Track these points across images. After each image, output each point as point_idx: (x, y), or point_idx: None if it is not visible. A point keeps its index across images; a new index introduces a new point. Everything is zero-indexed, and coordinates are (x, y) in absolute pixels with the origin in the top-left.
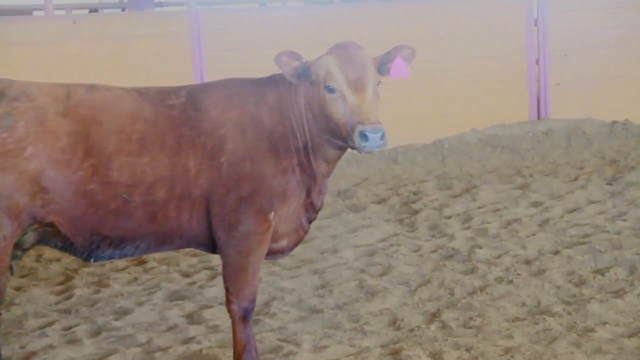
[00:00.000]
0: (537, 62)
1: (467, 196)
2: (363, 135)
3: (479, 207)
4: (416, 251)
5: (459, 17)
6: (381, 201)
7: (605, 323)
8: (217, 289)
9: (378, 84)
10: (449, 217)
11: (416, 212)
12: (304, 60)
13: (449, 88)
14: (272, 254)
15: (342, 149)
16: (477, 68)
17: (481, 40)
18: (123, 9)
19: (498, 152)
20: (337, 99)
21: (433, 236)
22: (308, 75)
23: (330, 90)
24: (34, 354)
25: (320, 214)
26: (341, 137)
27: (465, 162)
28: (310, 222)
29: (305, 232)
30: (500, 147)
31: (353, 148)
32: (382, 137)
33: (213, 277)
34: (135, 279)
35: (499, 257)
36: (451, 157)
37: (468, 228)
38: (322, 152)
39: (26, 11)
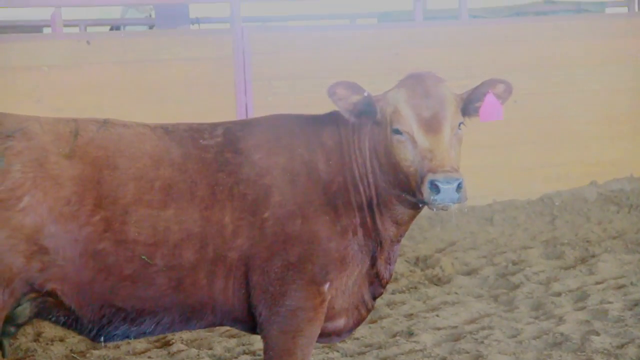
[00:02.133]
0: None
1: (583, 268)
2: (433, 186)
3: (598, 283)
4: (514, 337)
5: (577, 40)
6: (471, 272)
7: None
8: None
9: (459, 126)
10: (559, 294)
11: (516, 286)
12: (365, 94)
13: (562, 129)
14: (326, 336)
15: (416, 209)
16: (599, 106)
17: (604, 70)
18: (151, 27)
19: (625, 212)
20: (406, 143)
21: (537, 318)
22: (372, 113)
23: (398, 132)
24: None
25: (394, 287)
26: (411, 191)
27: (581, 224)
28: (375, 298)
29: (369, 311)
30: (628, 207)
31: (424, 204)
32: (459, 189)
33: None
34: None
35: (621, 347)
36: (563, 217)
37: (583, 309)
38: (390, 211)
39: (34, 29)
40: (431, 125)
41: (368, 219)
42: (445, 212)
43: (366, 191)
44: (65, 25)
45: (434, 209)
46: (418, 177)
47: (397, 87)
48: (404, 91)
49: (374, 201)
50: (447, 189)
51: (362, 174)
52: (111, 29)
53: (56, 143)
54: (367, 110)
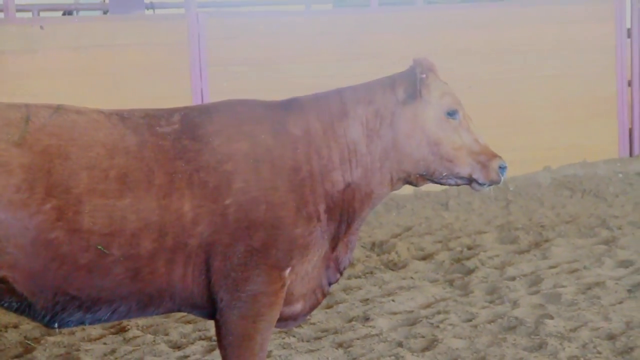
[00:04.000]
0: (630, 84)
1: (537, 252)
2: (503, 170)
3: (551, 267)
4: (469, 321)
5: (531, 26)
6: (427, 257)
7: None
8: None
9: None
10: (513, 279)
11: (470, 271)
12: (424, 76)
13: (516, 117)
14: (283, 320)
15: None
16: (553, 92)
17: (558, 57)
18: (105, 12)
19: (578, 197)
20: (460, 127)
21: (491, 302)
22: (414, 94)
23: (453, 115)
24: None
25: (350, 272)
26: (445, 169)
27: (535, 209)
28: (331, 284)
29: (324, 296)
30: (581, 191)
31: (462, 183)
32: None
33: (211, 350)
34: (113, 352)
35: (574, 330)
36: (517, 202)
37: (536, 293)
38: (379, 192)
39: None
40: (469, 116)
41: (339, 204)
42: (401, 197)
43: (346, 175)
44: (18, 10)
45: (482, 189)
46: (472, 159)
47: (429, 70)
48: (440, 78)
49: (357, 184)
50: (505, 172)
51: (343, 159)
52: (64, 14)
53: (5, 129)
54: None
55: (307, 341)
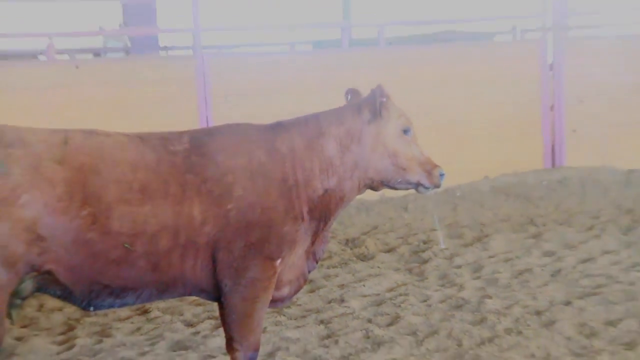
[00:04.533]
0: (552, 109)
1: (478, 245)
2: (442, 176)
3: (490, 257)
4: (425, 301)
5: (471, 62)
6: (390, 250)
7: None
8: (221, 339)
9: None
10: (459, 267)
11: (426, 261)
12: (385, 99)
13: (461, 135)
14: (273, 301)
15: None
16: (490, 115)
17: (494, 86)
18: (127, 53)
19: (511, 200)
20: (411, 142)
21: (442, 286)
22: (387, 111)
23: (407, 133)
24: None
25: (328, 262)
26: (401, 180)
27: (477, 210)
28: (310, 272)
29: (306, 282)
30: (513, 196)
31: (410, 188)
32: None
33: (217, 327)
34: (138, 329)
35: (508, 307)
36: (463, 205)
37: (478, 278)
38: (343, 203)
39: (31, 55)
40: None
41: (318, 206)
42: (369, 202)
43: (326, 184)
44: (58, 53)
45: (427, 192)
46: (422, 168)
47: (385, 97)
48: (395, 105)
49: (332, 193)
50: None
51: (323, 169)
52: (94, 56)
53: (49, 150)
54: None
55: (295, 319)
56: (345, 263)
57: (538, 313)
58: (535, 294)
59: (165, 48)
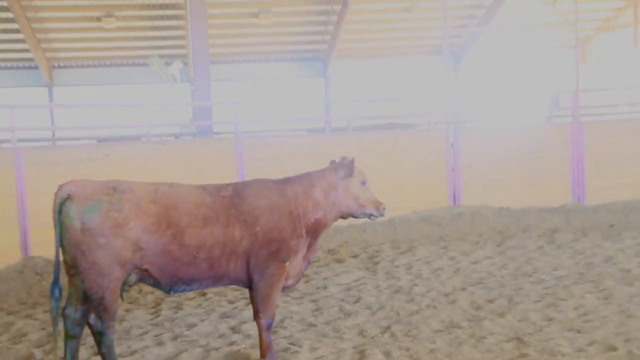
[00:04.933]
0: (453, 170)
1: (409, 253)
2: (384, 209)
3: (417, 260)
4: (376, 288)
5: (404, 141)
6: (355, 256)
7: (493, 333)
8: (250, 312)
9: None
10: (398, 267)
11: (377, 263)
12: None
13: (398, 185)
14: (283, 288)
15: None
16: (416, 172)
17: (419, 155)
18: (194, 136)
19: (429, 225)
20: (366, 189)
21: (387, 279)
22: (351, 171)
23: (364, 184)
24: (135, 351)
25: (315, 264)
26: (360, 213)
27: (408, 232)
28: (305, 269)
29: (302, 276)
30: (430, 222)
31: (366, 217)
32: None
33: (248, 304)
34: (199, 305)
35: (428, 291)
36: (400, 228)
37: (409, 273)
38: (325, 227)
39: (136, 138)
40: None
41: (311, 229)
42: (342, 226)
43: (315, 215)
44: (153, 136)
45: (375, 219)
46: (372, 205)
47: (351, 161)
48: (358, 167)
49: (320, 222)
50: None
51: (313, 208)
52: (175, 138)
53: (146, 195)
54: (350, 171)
55: (296, 299)
56: (327, 264)
57: (446, 295)
58: (445, 283)
59: (217, 133)
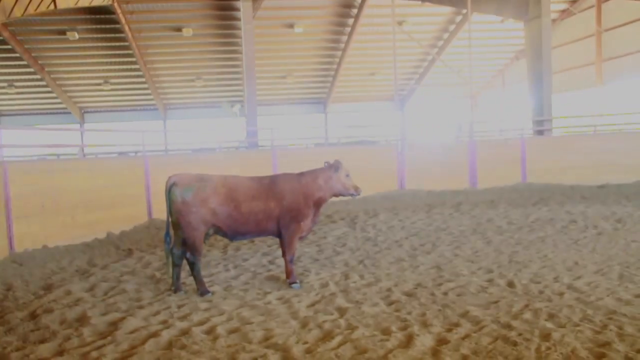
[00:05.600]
0: (400, 167)
1: (375, 217)
2: (359, 191)
3: (379, 221)
4: (355, 238)
5: (369, 152)
6: (342, 219)
7: (423, 264)
8: (280, 252)
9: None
10: (368, 225)
11: (355, 223)
12: (342, 165)
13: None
14: (299, 238)
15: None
16: (378, 170)
17: (379, 161)
18: (247, 148)
19: (386, 200)
20: (349, 179)
21: (361, 232)
22: (339, 169)
23: (348, 176)
24: (212, 274)
25: (319, 224)
26: (345, 193)
27: (374, 204)
28: (312, 227)
29: (311, 231)
30: (388, 199)
31: (349, 195)
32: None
33: (278, 247)
34: (250, 247)
35: (385, 240)
36: (369, 202)
37: (375, 229)
38: (324, 202)
39: (213, 149)
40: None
41: (316, 203)
42: (338, 200)
43: (318, 195)
44: (223, 148)
45: (354, 197)
46: (352, 189)
47: (339, 162)
48: (343, 164)
49: (321, 199)
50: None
51: (317, 190)
52: (235, 149)
53: (219, 182)
54: (339, 168)
55: (307, 244)
56: (326, 224)
57: (396, 241)
58: (395, 234)
59: (261, 146)
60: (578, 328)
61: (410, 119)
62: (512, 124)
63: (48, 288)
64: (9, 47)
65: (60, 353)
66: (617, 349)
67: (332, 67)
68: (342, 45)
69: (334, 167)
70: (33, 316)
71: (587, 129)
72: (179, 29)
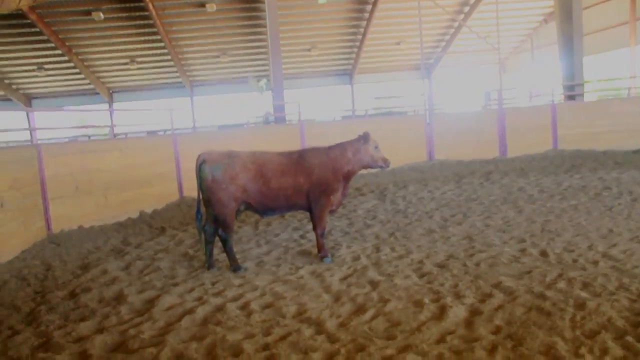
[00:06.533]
0: (429, 138)
1: (404, 189)
2: (389, 163)
3: (409, 192)
4: (385, 210)
5: (401, 122)
6: (372, 191)
7: (454, 235)
8: (310, 226)
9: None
10: (397, 197)
11: (385, 195)
12: (370, 136)
13: (397, 149)
14: (330, 212)
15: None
16: (407, 141)
17: (409, 130)
18: (274, 122)
19: (415, 172)
20: (378, 150)
21: (391, 204)
22: (368, 141)
23: (376, 148)
24: (244, 250)
25: (348, 197)
26: (374, 165)
27: (403, 176)
28: (342, 201)
29: (341, 204)
30: (416, 170)
31: (378, 168)
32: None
33: (309, 221)
34: (281, 222)
35: (416, 211)
36: (398, 174)
37: (405, 200)
38: (354, 175)
39: (240, 125)
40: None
41: (345, 177)
42: (367, 172)
43: (347, 169)
44: (251, 123)
45: (385, 169)
46: (381, 160)
47: (368, 134)
48: (372, 136)
49: (350, 173)
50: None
51: (347, 163)
52: (264, 123)
53: (248, 158)
54: (367, 140)
55: (337, 218)
56: (355, 197)
57: (426, 213)
58: (425, 205)
59: (288, 120)
60: (614, 297)
61: (437, 88)
62: (542, 90)
63: (85, 267)
64: (37, 29)
65: (100, 331)
66: None
67: (357, 38)
68: (367, 15)
69: (363, 139)
70: (72, 295)
71: (621, 92)
72: (202, 5)
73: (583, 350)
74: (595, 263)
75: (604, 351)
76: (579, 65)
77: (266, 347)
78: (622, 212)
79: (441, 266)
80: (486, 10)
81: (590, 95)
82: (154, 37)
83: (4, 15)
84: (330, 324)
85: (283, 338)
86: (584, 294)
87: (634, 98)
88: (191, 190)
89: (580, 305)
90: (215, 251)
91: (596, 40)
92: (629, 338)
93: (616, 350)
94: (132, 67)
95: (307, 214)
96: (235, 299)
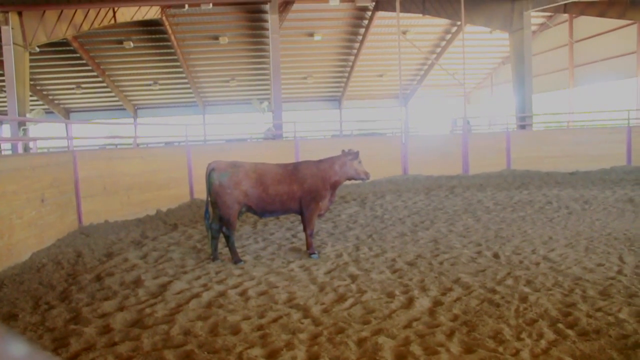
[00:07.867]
0: (404, 156)
1: (382, 198)
2: (369, 175)
3: (385, 201)
4: (365, 215)
5: (378, 141)
6: (354, 199)
7: (423, 238)
8: (301, 227)
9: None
10: (376, 205)
11: (365, 203)
12: (358, 154)
13: (377, 164)
14: (318, 215)
15: (341, 184)
16: (385, 157)
17: (386, 149)
18: (274, 138)
19: (391, 184)
20: (360, 165)
21: (370, 211)
22: (356, 157)
23: (360, 163)
24: (244, 246)
25: (334, 204)
26: (357, 177)
27: (381, 187)
28: (329, 206)
29: (328, 209)
30: (393, 182)
31: (360, 180)
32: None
33: (300, 223)
34: (276, 223)
35: (391, 217)
36: (377, 185)
37: (382, 208)
38: (339, 184)
39: (244, 140)
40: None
41: (332, 186)
42: (350, 183)
43: (334, 179)
44: (253, 139)
45: (364, 181)
46: (363, 174)
47: (354, 151)
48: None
49: (336, 183)
50: (370, 176)
51: (334, 175)
52: (263, 138)
53: (250, 168)
54: (357, 157)
55: (324, 221)
56: (340, 203)
57: (399, 219)
58: (399, 213)
59: (285, 137)
60: (550, 292)
61: (412, 115)
62: (499, 119)
63: (109, 255)
64: (78, 55)
65: (121, 309)
66: (580, 308)
67: (346, 70)
68: (355, 51)
69: (350, 155)
70: (98, 278)
71: (562, 124)
72: (216, 38)
73: (524, 334)
74: (537, 264)
75: (540, 335)
76: (529, 101)
77: (260, 327)
78: (560, 223)
79: (410, 264)
80: (455, 51)
81: (538, 125)
82: (174, 63)
83: (52, 42)
84: (316, 310)
85: (275, 320)
86: (527, 289)
87: (572, 129)
88: (201, 193)
89: (524, 299)
90: (220, 246)
91: (543, 80)
92: (560, 325)
93: (549, 334)
94: (154, 87)
95: (299, 216)
96: (235, 286)
